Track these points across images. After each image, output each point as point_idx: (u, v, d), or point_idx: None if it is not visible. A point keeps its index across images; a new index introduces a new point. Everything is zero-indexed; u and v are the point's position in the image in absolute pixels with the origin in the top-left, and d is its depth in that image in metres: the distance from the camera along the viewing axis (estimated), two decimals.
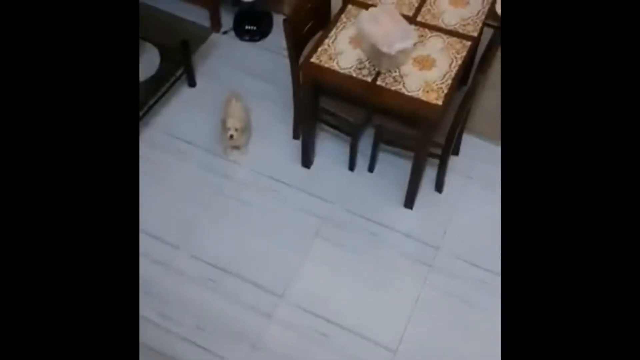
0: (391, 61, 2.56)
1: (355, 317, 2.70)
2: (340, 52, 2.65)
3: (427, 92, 2.53)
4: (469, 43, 2.69)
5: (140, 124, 3.22)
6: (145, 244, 2.88)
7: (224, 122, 3.04)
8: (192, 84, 3.48)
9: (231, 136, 3.01)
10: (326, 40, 2.70)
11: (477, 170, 3.17)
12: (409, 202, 3.03)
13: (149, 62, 3.25)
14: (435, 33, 2.72)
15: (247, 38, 3.71)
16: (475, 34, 2.73)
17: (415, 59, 2.63)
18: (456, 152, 3.21)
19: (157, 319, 2.68)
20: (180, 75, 3.38)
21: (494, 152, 3.22)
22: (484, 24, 2.80)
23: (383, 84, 2.56)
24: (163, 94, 3.30)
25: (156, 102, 3.27)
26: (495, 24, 2.88)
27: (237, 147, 3.18)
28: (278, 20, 3.64)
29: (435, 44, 2.68)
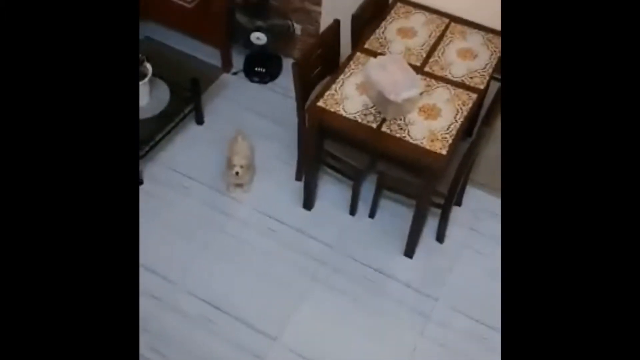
0: (397, 109, 2.58)
1: None
2: (347, 98, 2.68)
3: (432, 141, 2.54)
4: (475, 95, 2.72)
5: (146, 159, 3.24)
6: (143, 278, 2.85)
7: (229, 160, 3.05)
8: (199, 121, 3.51)
9: (237, 173, 3.01)
10: (333, 85, 2.73)
11: (479, 223, 3.15)
12: (409, 251, 3.00)
13: (159, 98, 3.29)
14: (442, 84, 2.75)
15: (256, 79, 3.77)
16: (482, 87, 2.76)
17: (421, 108, 2.65)
18: (459, 203, 3.20)
19: (149, 354, 2.62)
20: (189, 113, 3.41)
21: (497, 205, 3.21)
22: (491, 77, 2.83)
23: (388, 131, 2.58)
24: (170, 130, 3.33)
25: (163, 137, 3.30)
26: None
27: (240, 185, 3.18)
28: (287, 63, 3.70)
29: (442, 95, 2.71)
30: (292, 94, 2.91)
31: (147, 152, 3.21)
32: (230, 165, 3.03)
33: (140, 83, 3.14)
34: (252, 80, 3.77)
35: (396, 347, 2.71)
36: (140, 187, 3.20)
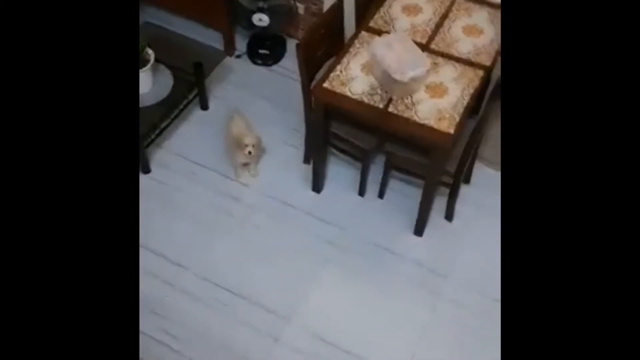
0: (403, 88, 2.56)
1: (362, 343, 2.67)
2: (353, 78, 2.66)
3: (439, 119, 2.52)
4: (481, 72, 2.69)
5: (152, 145, 3.24)
6: (154, 264, 2.87)
7: (238, 141, 3.04)
8: (204, 106, 3.49)
9: (249, 152, 3.01)
10: (338, 66, 2.71)
11: (488, 200, 3.14)
12: (419, 230, 3.01)
13: (162, 84, 3.27)
14: (448, 61, 2.72)
15: (260, 62, 3.74)
16: (488, 64, 2.73)
17: (427, 87, 2.63)
18: (467, 181, 3.19)
19: (163, 337, 2.66)
20: (193, 98, 3.40)
21: None
22: (498, 54, 2.80)
23: (395, 111, 2.56)
24: (176, 116, 3.32)
25: (169, 124, 3.29)
26: None
27: (247, 165, 3.17)
28: (291, 44, 3.66)
29: (448, 72, 2.68)
30: (297, 75, 2.89)
31: (153, 139, 3.21)
32: (241, 145, 3.01)
33: (143, 70, 3.11)
34: (255, 63, 3.74)
35: (407, 324, 2.73)
36: (149, 175, 3.21)
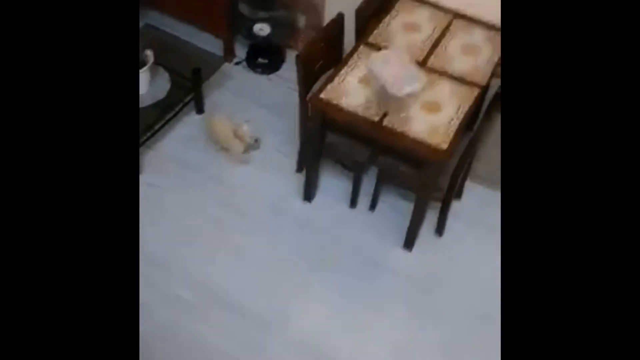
0: (399, 103, 2.59)
1: (348, 356, 2.66)
2: (349, 91, 2.68)
3: (433, 135, 2.55)
4: (477, 90, 2.73)
5: (145, 147, 3.24)
6: (143, 269, 2.83)
7: (235, 133, 3.24)
8: (200, 111, 3.50)
9: (256, 140, 3.29)
10: (336, 78, 2.73)
11: (479, 217, 3.17)
12: (409, 244, 3.02)
13: (159, 86, 3.29)
14: (444, 79, 2.75)
15: (259, 71, 3.76)
16: (483, 83, 2.76)
17: (423, 103, 2.66)
18: (459, 196, 3.21)
19: (154, 341, 2.63)
20: (189, 102, 3.41)
21: (497, 198, 3.22)
22: (493, 74, 2.84)
23: (389, 125, 2.58)
24: (170, 119, 3.33)
25: (162, 126, 3.29)
26: None
27: (246, 151, 3.32)
28: (291, 55, 3.69)
29: (443, 90, 2.71)
30: (294, 85, 2.91)
31: (146, 140, 3.21)
32: (247, 136, 3.25)
33: (140, 71, 3.13)
34: (254, 71, 3.76)
35: (394, 339, 2.73)
36: (140, 177, 3.21)
